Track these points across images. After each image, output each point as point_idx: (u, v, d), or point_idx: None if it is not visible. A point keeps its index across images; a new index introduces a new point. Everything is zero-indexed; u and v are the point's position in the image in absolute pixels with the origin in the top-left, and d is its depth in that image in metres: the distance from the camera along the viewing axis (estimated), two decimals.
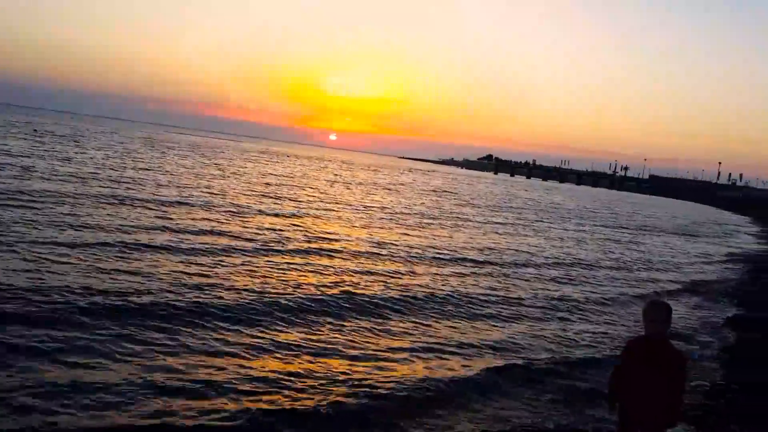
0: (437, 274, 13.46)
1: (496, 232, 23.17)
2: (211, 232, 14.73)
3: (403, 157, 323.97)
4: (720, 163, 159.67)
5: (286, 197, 26.21)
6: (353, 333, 8.57)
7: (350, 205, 26.70)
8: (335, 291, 10.54)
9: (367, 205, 27.71)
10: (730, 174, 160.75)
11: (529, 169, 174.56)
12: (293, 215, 20.31)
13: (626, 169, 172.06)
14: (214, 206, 19.60)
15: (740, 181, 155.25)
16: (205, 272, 10.65)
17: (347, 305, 9.79)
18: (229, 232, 15.16)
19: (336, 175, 54.29)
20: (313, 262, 13.00)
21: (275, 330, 8.22)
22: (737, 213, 72.36)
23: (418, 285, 11.97)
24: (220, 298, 9.17)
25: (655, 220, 44.83)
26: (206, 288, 9.59)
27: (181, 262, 11.22)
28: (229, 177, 33.49)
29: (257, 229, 16.28)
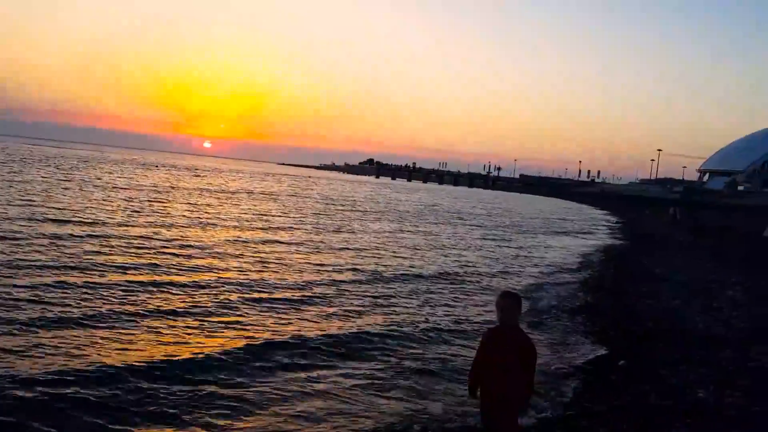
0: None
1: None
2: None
3: (284, 164, 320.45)
4: (580, 161, 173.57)
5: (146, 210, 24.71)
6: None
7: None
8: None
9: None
10: (588, 171, 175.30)
11: (410, 172, 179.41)
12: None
13: (499, 169, 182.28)
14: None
15: (598, 177, 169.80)
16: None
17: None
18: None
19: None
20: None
21: None
22: (595, 207, 78.53)
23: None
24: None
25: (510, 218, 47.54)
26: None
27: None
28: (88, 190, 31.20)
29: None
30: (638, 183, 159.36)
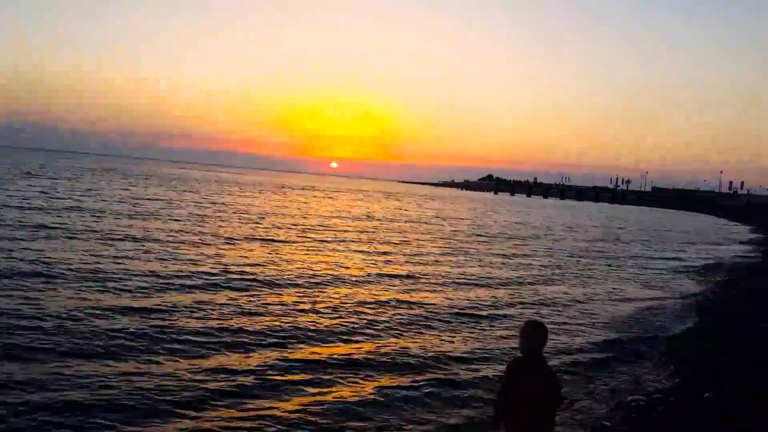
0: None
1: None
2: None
3: (403, 181, 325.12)
4: (722, 172, 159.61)
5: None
6: None
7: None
8: None
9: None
10: (731, 182, 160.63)
11: (529, 187, 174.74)
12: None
13: (628, 182, 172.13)
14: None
15: (741, 189, 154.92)
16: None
17: None
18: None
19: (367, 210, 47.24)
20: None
21: None
22: (740, 222, 71.65)
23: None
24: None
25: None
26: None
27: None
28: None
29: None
30: None
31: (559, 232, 37.67)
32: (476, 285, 15.30)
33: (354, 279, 14.73)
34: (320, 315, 10.82)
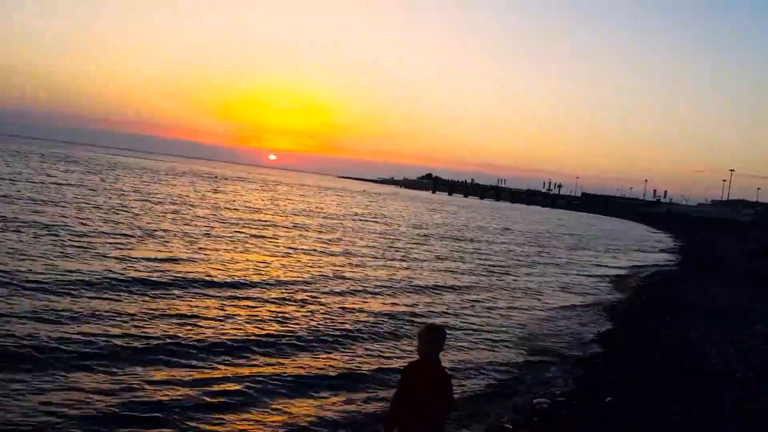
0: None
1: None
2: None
3: (343, 177, 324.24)
4: (646, 180, 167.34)
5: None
6: None
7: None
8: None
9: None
10: (655, 191, 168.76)
11: (467, 188, 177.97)
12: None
13: (560, 186, 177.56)
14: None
15: (665, 197, 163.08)
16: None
17: None
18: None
19: (306, 202, 49.54)
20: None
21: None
22: (658, 229, 75.28)
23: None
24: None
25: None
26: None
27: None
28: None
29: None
30: (709, 204, 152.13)
31: (489, 234, 38.54)
32: (401, 290, 15.15)
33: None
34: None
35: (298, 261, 17.54)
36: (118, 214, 22.97)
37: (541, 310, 14.63)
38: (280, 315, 10.86)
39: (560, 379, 9.14)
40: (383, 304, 13.01)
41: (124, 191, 34.99)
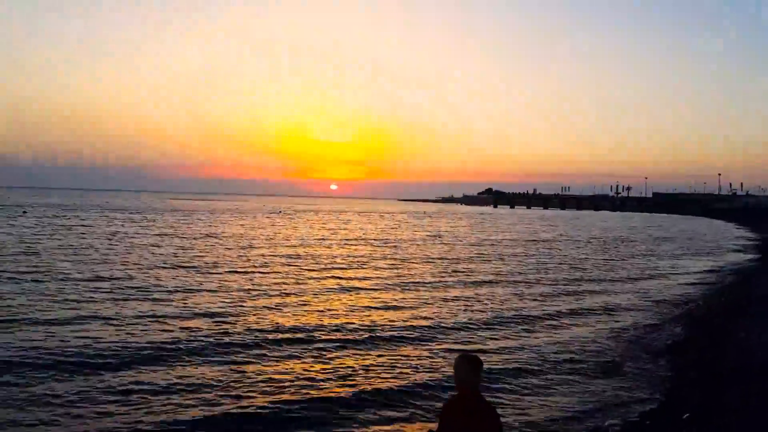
0: None
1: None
2: None
3: (404, 200, 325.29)
4: (719, 174, 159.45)
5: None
6: None
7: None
8: None
9: None
10: (730, 184, 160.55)
11: (529, 199, 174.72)
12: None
13: (629, 189, 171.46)
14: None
15: (741, 190, 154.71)
16: None
17: None
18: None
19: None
20: None
21: None
22: (741, 225, 71.41)
23: None
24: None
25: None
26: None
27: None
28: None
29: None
30: None
31: (559, 244, 37.63)
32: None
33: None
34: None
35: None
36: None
37: (616, 321, 14.09)
38: None
39: (633, 397, 8.76)
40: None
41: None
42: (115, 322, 11.90)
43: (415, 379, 9.07)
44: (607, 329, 13.22)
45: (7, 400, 7.61)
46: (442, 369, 9.50)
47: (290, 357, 10.09)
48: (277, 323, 12.39)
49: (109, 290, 15.40)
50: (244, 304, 14.30)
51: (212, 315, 12.90)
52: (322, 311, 13.95)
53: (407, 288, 17.96)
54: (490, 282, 19.65)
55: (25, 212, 55.83)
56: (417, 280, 19.51)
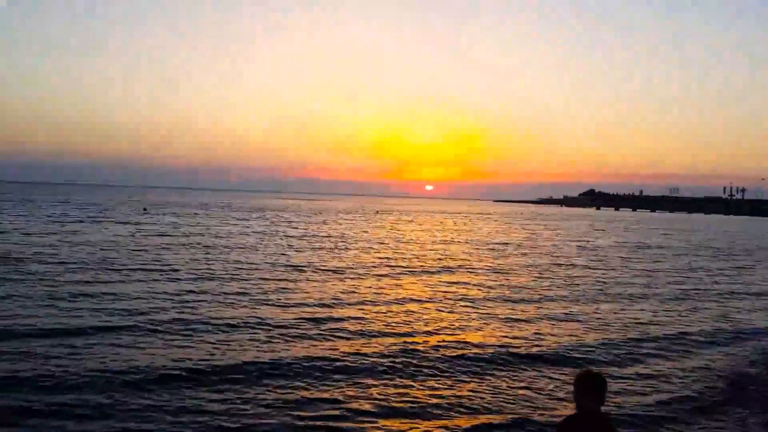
0: None
1: None
2: None
3: (500, 201, 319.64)
4: None
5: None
6: None
7: None
8: None
9: None
10: None
11: (635, 201, 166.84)
12: None
13: (743, 191, 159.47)
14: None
15: None
16: None
17: None
18: None
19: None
20: None
21: None
22: None
23: None
24: None
25: None
26: None
27: None
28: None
29: None
30: None
31: (673, 254, 36.11)
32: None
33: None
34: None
35: None
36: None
37: (743, 338, 13.33)
38: None
39: (759, 419, 8.57)
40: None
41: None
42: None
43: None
44: (730, 352, 12.05)
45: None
46: None
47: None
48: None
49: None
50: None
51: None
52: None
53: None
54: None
55: (145, 209, 60.56)
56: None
